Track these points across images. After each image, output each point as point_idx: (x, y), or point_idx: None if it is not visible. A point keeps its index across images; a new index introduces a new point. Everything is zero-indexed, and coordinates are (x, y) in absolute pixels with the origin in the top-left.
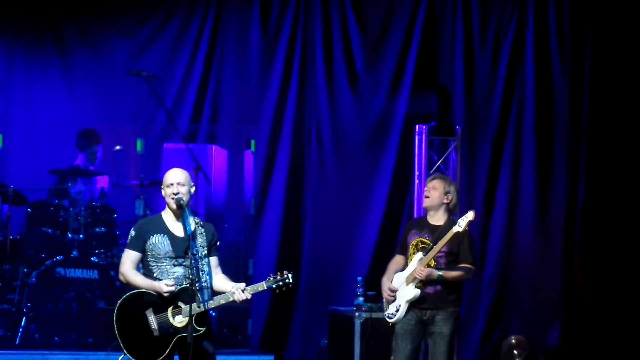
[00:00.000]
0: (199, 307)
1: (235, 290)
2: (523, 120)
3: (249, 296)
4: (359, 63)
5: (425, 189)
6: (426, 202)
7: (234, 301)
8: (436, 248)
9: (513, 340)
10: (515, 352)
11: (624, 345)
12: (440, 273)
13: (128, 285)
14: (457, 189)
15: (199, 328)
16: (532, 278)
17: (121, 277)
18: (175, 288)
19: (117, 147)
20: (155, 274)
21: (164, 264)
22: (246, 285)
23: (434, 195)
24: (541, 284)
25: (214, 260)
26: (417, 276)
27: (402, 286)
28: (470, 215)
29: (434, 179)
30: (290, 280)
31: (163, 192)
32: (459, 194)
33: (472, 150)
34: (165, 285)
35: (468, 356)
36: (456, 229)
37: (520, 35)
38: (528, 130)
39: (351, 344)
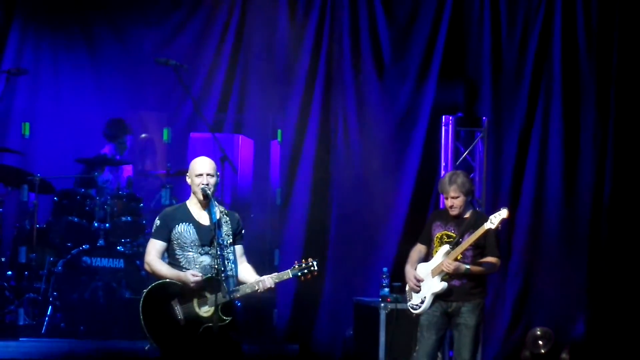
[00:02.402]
0: (224, 297)
1: (258, 284)
2: (550, 111)
3: (273, 284)
4: (386, 53)
5: (445, 198)
6: (454, 212)
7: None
8: (465, 244)
9: (538, 332)
10: (540, 343)
11: None
12: (467, 267)
13: (153, 275)
14: (468, 177)
15: (225, 318)
16: (558, 269)
17: (146, 267)
18: (201, 278)
19: (143, 135)
20: (181, 263)
21: (190, 252)
22: (270, 273)
23: (459, 203)
24: (567, 275)
25: (239, 248)
26: (445, 269)
27: (427, 278)
28: (503, 213)
29: (450, 185)
30: (315, 268)
31: (189, 181)
32: (472, 181)
33: (498, 141)
34: (191, 276)
35: (493, 347)
36: (488, 225)
37: (547, 25)
38: (555, 121)
39: (376, 334)
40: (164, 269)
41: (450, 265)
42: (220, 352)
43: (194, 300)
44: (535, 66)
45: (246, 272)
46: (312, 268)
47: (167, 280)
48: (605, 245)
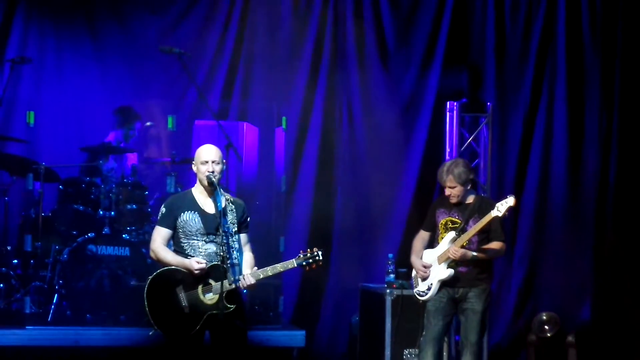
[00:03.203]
0: (229, 284)
1: (242, 279)
2: (554, 95)
3: (253, 281)
4: (390, 39)
5: (445, 187)
6: (453, 200)
7: (267, 276)
8: (472, 231)
9: (544, 317)
10: (546, 327)
11: None
12: (474, 254)
13: (158, 262)
14: (467, 166)
15: (229, 305)
16: (564, 254)
17: (152, 254)
18: (206, 265)
19: (148, 123)
20: (186, 251)
21: (195, 240)
22: (276, 263)
23: (457, 192)
24: (572, 260)
25: (243, 237)
26: (452, 256)
27: (434, 264)
28: (510, 201)
29: (446, 176)
30: (320, 258)
31: (195, 168)
32: (471, 169)
33: (503, 127)
34: (196, 263)
35: (499, 332)
36: (495, 213)
37: (551, 9)
38: (559, 106)
39: (382, 320)
40: (169, 256)
41: (457, 253)
42: (224, 339)
43: (198, 288)
44: (539, 51)
45: (245, 263)
46: (317, 258)
47: (172, 267)
48: (611, 229)
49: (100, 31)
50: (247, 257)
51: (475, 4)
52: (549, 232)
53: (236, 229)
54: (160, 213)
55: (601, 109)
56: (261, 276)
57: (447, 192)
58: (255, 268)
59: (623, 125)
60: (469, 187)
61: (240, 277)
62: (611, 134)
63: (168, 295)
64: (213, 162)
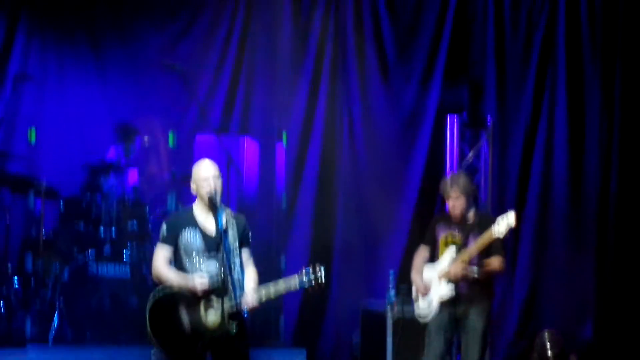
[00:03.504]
0: (231, 303)
1: (245, 297)
2: (555, 109)
3: (256, 304)
4: (390, 53)
5: (447, 199)
6: (456, 214)
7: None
8: (472, 250)
9: (546, 335)
10: (548, 346)
11: None
12: (475, 272)
13: (160, 281)
14: (470, 178)
15: (232, 324)
16: (565, 273)
17: (153, 272)
18: (208, 283)
19: (146, 139)
20: (187, 269)
21: (196, 258)
22: (277, 278)
23: (460, 204)
24: (574, 278)
25: (245, 252)
26: (453, 275)
27: (434, 281)
28: (511, 221)
29: (451, 187)
30: (323, 276)
31: (194, 186)
32: (473, 182)
33: (503, 142)
34: (198, 280)
35: (501, 351)
36: (496, 234)
37: (551, 25)
38: (560, 120)
39: (383, 339)
40: (170, 275)
41: (458, 272)
42: (226, 359)
43: (200, 307)
44: (539, 64)
45: (247, 279)
46: (319, 274)
47: (174, 285)
48: (613, 247)
49: (101, 47)
50: (250, 272)
51: (476, 18)
52: (551, 249)
53: (237, 244)
54: (161, 231)
55: (602, 123)
56: (264, 299)
57: (451, 203)
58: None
59: (624, 140)
60: (472, 200)
61: (242, 295)
62: (612, 148)
63: (170, 314)
64: (214, 176)
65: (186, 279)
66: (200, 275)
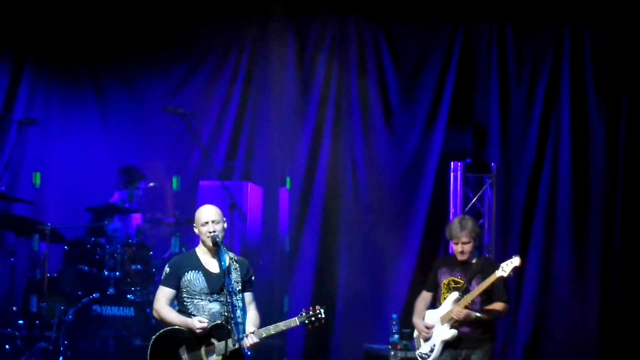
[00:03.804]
0: (233, 344)
1: (245, 338)
2: (559, 157)
3: (257, 340)
4: (394, 99)
5: (455, 243)
6: (464, 257)
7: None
8: (476, 292)
9: None
10: None
11: None
12: (478, 314)
13: (162, 322)
14: (477, 222)
15: None
16: (568, 317)
17: (155, 314)
18: (208, 325)
19: (151, 184)
20: (190, 310)
21: (199, 300)
22: (279, 322)
23: (469, 248)
24: (577, 320)
25: (248, 295)
26: (455, 317)
27: (436, 325)
28: (516, 261)
29: (461, 231)
30: (323, 316)
31: (196, 231)
32: (480, 226)
33: (507, 187)
34: (198, 322)
35: None
36: (500, 273)
37: (555, 71)
38: (564, 167)
39: None
40: (171, 316)
41: (460, 314)
42: None
43: (201, 349)
44: (543, 110)
45: (249, 322)
46: (319, 316)
47: (175, 327)
48: (616, 292)
49: (105, 91)
50: (252, 315)
51: (480, 65)
52: (554, 293)
53: (240, 287)
54: (164, 273)
55: (605, 169)
56: (264, 335)
57: (460, 248)
58: (257, 328)
59: (627, 185)
60: (478, 244)
61: (244, 336)
62: (616, 194)
63: (171, 356)
64: (213, 221)
65: (186, 321)
66: (200, 318)
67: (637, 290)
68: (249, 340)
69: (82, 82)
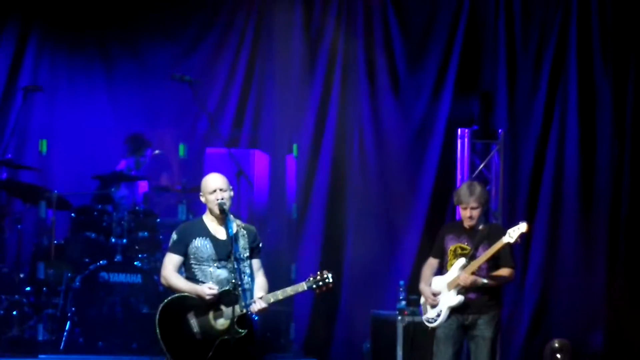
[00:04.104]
0: (241, 310)
1: (253, 302)
2: (566, 121)
3: (265, 305)
4: (401, 67)
5: (464, 208)
6: (471, 223)
7: (277, 301)
8: (482, 257)
9: (556, 344)
10: (558, 355)
11: None
12: (484, 281)
13: (170, 289)
14: (485, 187)
15: (240, 331)
16: (576, 281)
17: (163, 280)
18: (218, 292)
19: (157, 152)
20: (198, 277)
21: (207, 266)
22: (286, 287)
23: (477, 214)
24: (584, 287)
25: (256, 262)
26: (462, 284)
27: (443, 291)
28: (523, 227)
29: (470, 196)
30: (330, 280)
31: (203, 199)
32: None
33: (514, 154)
34: (208, 289)
35: (511, 359)
36: (507, 239)
37: (563, 37)
38: (571, 132)
39: (394, 347)
40: (180, 283)
41: (467, 280)
42: None
43: (209, 314)
44: (550, 77)
45: (257, 287)
46: (327, 280)
47: (184, 293)
48: (623, 256)
49: (112, 59)
50: (261, 281)
51: (487, 31)
52: (561, 258)
53: (248, 254)
54: (171, 239)
55: (613, 135)
56: (272, 300)
57: (468, 213)
58: (265, 293)
59: (635, 150)
60: (485, 210)
61: (252, 301)
62: (623, 160)
63: (180, 322)
64: (221, 189)
65: (195, 288)
66: (210, 285)
67: None
68: (257, 306)
69: (88, 50)
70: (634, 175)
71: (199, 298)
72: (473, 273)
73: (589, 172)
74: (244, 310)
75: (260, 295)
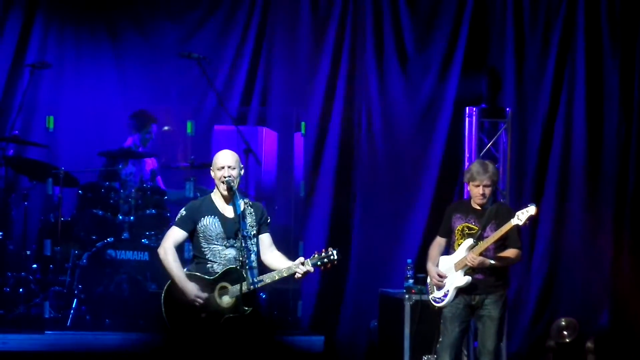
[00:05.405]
0: (248, 287)
1: (296, 269)
2: (574, 101)
3: (311, 269)
4: (409, 44)
5: (476, 186)
6: (481, 200)
7: (288, 276)
8: (491, 239)
9: (563, 322)
10: (565, 333)
11: None
12: (492, 262)
13: (163, 263)
14: (495, 166)
15: (246, 308)
16: (582, 260)
17: (161, 251)
18: (201, 302)
19: (166, 128)
20: (207, 256)
21: (216, 245)
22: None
23: (489, 192)
24: (591, 266)
25: (266, 237)
26: (470, 264)
27: (450, 271)
28: (532, 210)
29: (484, 174)
30: (336, 257)
31: (213, 174)
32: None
33: (522, 132)
34: (194, 295)
35: (518, 338)
36: (515, 221)
37: (571, 15)
38: (578, 112)
39: (401, 326)
40: (174, 269)
41: (475, 261)
42: (242, 342)
43: (215, 292)
44: (558, 56)
45: (278, 261)
46: (332, 257)
47: (190, 272)
48: (629, 235)
49: (119, 36)
50: (277, 255)
51: (495, 9)
52: (568, 238)
53: (255, 231)
54: (179, 214)
55: (620, 116)
56: (277, 277)
57: (481, 190)
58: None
59: None
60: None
61: (258, 280)
62: (630, 141)
63: (185, 300)
64: (229, 167)
65: (185, 283)
66: (199, 294)
67: None
68: (304, 268)
69: (96, 26)
70: None
71: (202, 276)
72: (480, 254)
73: (596, 151)
74: (251, 288)
75: (288, 263)
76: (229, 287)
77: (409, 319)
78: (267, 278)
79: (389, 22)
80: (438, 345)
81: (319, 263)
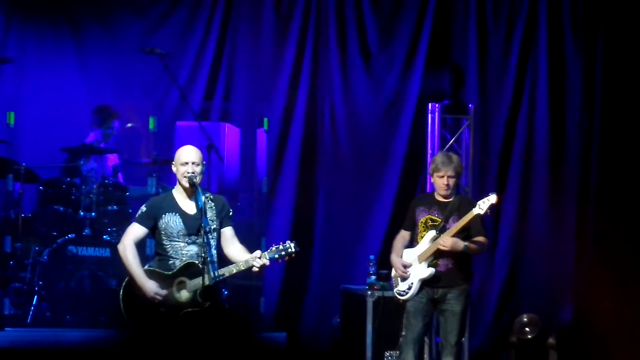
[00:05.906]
0: (210, 282)
1: (253, 262)
2: (536, 97)
3: (267, 262)
4: (372, 41)
5: (440, 177)
6: (445, 192)
7: (246, 269)
8: (454, 229)
9: (525, 318)
10: (527, 329)
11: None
12: (465, 244)
13: (122, 259)
14: (459, 158)
15: (204, 302)
16: (545, 256)
17: (120, 247)
18: (159, 299)
19: (129, 125)
20: (168, 253)
21: (177, 242)
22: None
23: (453, 183)
24: (554, 261)
25: (228, 230)
26: (442, 247)
27: (414, 264)
28: (492, 198)
29: (449, 165)
30: (293, 250)
31: (175, 169)
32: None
33: (485, 129)
34: (153, 293)
35: (480, 333)
36: (477, 211)
37: (533, 10)
38: (541, 108)
39: (363, 322)
40: (133, 266)
41: (447, 242)
42: (201, 336)
43: (173, 287)
44: (521, 53)
45: (239, 254)
46: (289, 250)
47: (150, 268)
48: (592, 232)
49: (82, 31)
50: (239, 247)
51: (458, 5)
52: (531, 234)
53: (215, 225)
54: (140, 211)
55: (582, 111)
56: (234, 271)
57: (445, 181)
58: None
59: (604, 127)
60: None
61: (218, 274)
62: (592, 136)
63: (143, 295)
64: (193, 163)
65: (144, 281)
66: (157, 291)
67: (614, 230)
68: (261, 262)
69: (58, 21)
70: (602, 151)
71: (162, 272)
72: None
73: (558, 145)
74: (212, 282)
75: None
76: (187, 281)
77: (372, 315)
78: (225, 272)
79: (352, 18)
80: (401, 339)
81: (276, 256)
